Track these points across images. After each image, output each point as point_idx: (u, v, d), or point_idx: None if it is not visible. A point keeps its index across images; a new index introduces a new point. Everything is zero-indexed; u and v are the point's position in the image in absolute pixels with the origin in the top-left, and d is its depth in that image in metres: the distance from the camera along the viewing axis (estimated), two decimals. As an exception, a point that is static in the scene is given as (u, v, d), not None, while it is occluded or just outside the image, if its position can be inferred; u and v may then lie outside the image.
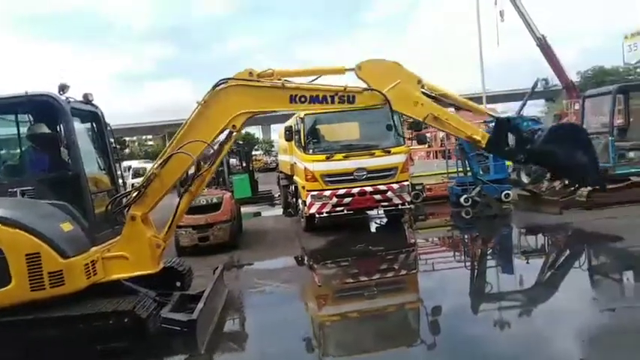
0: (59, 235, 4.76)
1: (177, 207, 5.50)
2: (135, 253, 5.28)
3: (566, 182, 11.73)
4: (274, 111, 5.76)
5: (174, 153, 5.25)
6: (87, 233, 5.15)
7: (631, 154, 11.52)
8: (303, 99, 5.40)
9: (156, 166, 5.33)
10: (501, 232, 10.75)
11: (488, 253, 9.45)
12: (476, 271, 8.02)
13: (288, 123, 12.00)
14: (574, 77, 31.66)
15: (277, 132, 20.50)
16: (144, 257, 5.30)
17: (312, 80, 5.49)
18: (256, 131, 66.14)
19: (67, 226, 4.92)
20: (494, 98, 47.98)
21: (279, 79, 5.39)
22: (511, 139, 5.62)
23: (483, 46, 27.44)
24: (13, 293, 4.58)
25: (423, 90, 5.63)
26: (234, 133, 5.49)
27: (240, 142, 27.76)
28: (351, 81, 5.54)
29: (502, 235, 10.58)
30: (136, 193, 5.32)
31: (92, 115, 5.97)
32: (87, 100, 5.75)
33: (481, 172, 12.48)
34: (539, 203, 11.42)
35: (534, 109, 41.68)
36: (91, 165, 6.02)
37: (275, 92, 5.39)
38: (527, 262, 8.18)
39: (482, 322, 5.50)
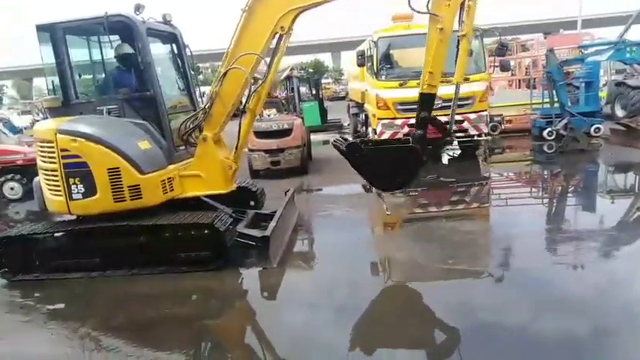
0: (136, 153, 5.09)
1: (240, 127, 5.58)
2: (208, 172, 5.52)
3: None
4: (323, 2, 5.14)
5: (228, 69, 5.22)
6: (164, 151, 5.43)
7: None
8: None
9: (215, 85, 5.37)
10: (586, 169, 9.96)
11: (570, 190, 8.85)
12: (553, 208, 7.58)
13: (360, 48, 11.53)
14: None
15: (348, 60, 19.89)
16: (216, 177, 5.54)
17: None
18: (326, 59, 64.92)
19: (144, 144, 5.22)
20: (591, 22, 43.09)
21: None
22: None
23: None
24: (100, 203, 5.05)
25: (462, 5, 5.05)
26: (285, 36, 5.22)
27: (310, 70, 27.38)
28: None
29: (587, 172, 9.82)
30: (202, 115, 5.45)
31: (171, 36, 6.04)
32: (165, 20, 5.80)
33: (569, 104, 11.47)
34: (634, 138, 10.41)
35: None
36: (171, 86, 6.19)
37: None
38: (613, 202, 7.57)
39: (554, 261, 5.21)
